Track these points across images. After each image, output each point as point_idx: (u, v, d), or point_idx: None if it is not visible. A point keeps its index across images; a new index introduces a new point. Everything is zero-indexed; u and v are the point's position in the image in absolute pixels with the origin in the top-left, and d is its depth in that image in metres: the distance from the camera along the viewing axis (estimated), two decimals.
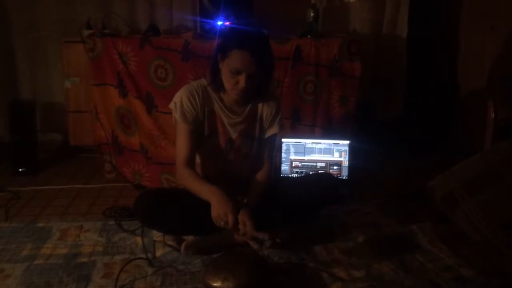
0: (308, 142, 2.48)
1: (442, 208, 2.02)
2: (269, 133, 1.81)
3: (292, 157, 2.47)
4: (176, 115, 1.69)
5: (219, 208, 1.53)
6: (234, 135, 1.76)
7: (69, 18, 2.97)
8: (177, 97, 1.71)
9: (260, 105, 1.78)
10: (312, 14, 2.69)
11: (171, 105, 1.71)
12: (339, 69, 2.55)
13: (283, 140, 2.47)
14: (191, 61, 2.46)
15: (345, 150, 2.46)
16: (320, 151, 2.47)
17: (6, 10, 3.00)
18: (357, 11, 3.13)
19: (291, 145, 2.48)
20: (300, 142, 2.48)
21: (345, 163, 2.46)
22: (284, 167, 2.48)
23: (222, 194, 1.56)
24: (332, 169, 2.45)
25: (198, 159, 1.78)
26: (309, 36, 2.57)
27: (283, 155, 2.47)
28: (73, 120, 2.85)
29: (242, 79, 1.58)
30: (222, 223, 1.52)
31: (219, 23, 2.59)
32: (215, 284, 1.39)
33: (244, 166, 1.81)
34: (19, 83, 3.12)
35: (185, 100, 1.68)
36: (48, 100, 3.13)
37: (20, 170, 2.70)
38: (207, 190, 1.59)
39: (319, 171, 2.42)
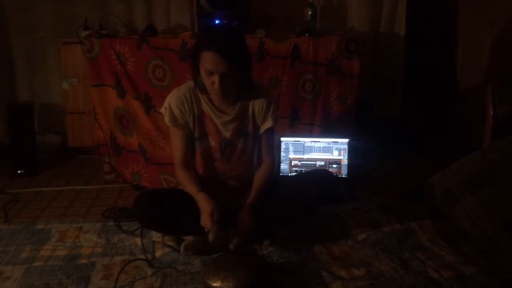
0: (307, 140, 2.47)
1: (442, 205, 2.02)
2: (264, 127, 1.79)
3: (291, 156, 2.47)
4: (167, 120, 1.72)
5: (202, 216, 1.61)
6: (227, 134, 1.75)
7: (66, 19, 2.96)
8: (166, 102, 1.73)
9: (251, 102, 1.77)
10: (310, 13, 2.68)
11: (162, 110, 1.73)
12: (337, 67, 2.54)
13: (282, 139, 2.47)
14: (188, 61, 2.46)
15: (344, 149, 2.46)
16: (319, 149, 2.46)
17: (4, 12, 2.99)
18: (354, 9, 3.12)
19: (290, 144, 2.47)
20: (299, 141, 2.47)
21: (344, 161, 2.46)
22: (284, 166, 2.47)
23: (205, 199, 1.62)
24: (331, 167, 2.45)
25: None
26: (307, 35, 2.56)
27: (282, 154, 2.47)
28: (71, 121, 2.84)
29: (215, 79, 1.58)
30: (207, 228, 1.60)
31: (217, 22, 2.59)
32: (214, 284, 1.39)
33: (242, 163, 1.80)
34: (17, 84, 3.11)
35: (174, 106, 1.71)
36: (46, 102, 3.12)
37: (19, 172, 2.70)
38: (196, 197, 1.66)
39: (317, 168, 2.42)
